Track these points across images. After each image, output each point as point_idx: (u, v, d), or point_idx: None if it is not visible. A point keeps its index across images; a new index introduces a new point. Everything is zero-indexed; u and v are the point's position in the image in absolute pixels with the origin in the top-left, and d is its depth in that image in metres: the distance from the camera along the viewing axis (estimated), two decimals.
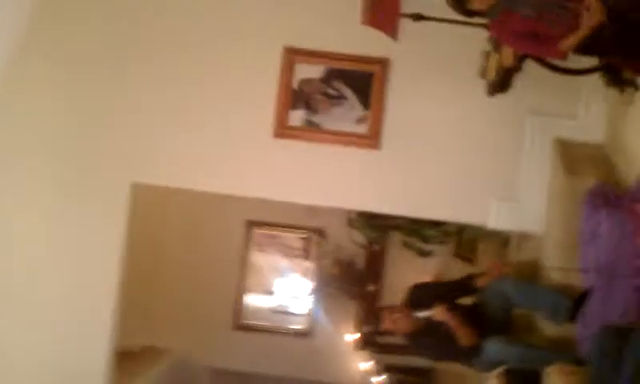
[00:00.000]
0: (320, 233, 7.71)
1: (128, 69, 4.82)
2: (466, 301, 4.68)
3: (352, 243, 7.56)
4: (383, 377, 7.49)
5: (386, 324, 4.53)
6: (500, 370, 4.07)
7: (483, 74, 4.22)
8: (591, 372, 3.31)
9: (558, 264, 4.32)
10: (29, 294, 4.85)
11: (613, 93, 4.09)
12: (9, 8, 4.54)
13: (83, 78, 4.81)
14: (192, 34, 4.82)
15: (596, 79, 4.03)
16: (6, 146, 4.81)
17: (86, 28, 4.82)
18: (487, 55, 4.09)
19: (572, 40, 3.28)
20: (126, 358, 5.46)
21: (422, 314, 4.47)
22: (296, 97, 4.76)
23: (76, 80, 4.81)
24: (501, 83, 3.98)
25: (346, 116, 4.75)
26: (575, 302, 4.05)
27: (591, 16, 3.15)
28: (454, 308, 4.43)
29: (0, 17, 4.48)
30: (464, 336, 4.30)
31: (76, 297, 4.86)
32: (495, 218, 4.73)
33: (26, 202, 4.86)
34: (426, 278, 6.17)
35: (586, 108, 4.58)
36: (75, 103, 4.81)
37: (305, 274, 7.86)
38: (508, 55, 3.79)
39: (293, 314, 7.90)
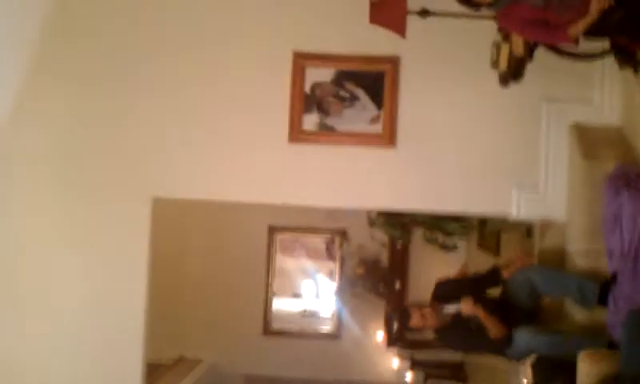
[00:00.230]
0: (342, 234, 7.72)
1: (141, 83, 4.83)
2: (494, 292, 4.67)
3: (375, 242, 7.56)
4: (414, 372, 7.48)
5: (415, 320, 4.53)
6: (531, 359, 4.06)
7: (495, 65, 4.19)
8: (621, 357, 3.29)
9: (582, 250, 4.29)
10: (58, 312, 4.88)
11: (627, 75, 4.06)
12: (21, 25, 4.58)
13: (97, 95, 4.82)
14: (204, 45, 4.82)
15: (609, 62, 4.00)
16: (25, 165, 4.84)
17: (99, 43, 4.83)
18: (497, 46, 4.07)
19: (581, 25, 3.29)
20: (157, 371, 5.52)
21: (450, 308, 4.47)
22: (309, 101, 4.76)
23: (90, 97, 4.82)
24: (513, 73, 3.96)
25: (360, 117, 4.74)
26: (602, 286, 4.02)
27: (599, 0, 3.16)
28: (481, 300, 4.43)
29: (13, 35, 4.53)
30: (493, 328, 4.29)
31: (106, 312, 4.87)
32: (517, 208, 4.69)
33: (49, 222, 4.89)
34: (451, 272, 6.15)
35: (601, 92, 4.54)
36: (90, 120, 4.82)
37: (330, 275, 7.88)
38: (518, 45, 3.77)
39: (321, 317, 7.92)
